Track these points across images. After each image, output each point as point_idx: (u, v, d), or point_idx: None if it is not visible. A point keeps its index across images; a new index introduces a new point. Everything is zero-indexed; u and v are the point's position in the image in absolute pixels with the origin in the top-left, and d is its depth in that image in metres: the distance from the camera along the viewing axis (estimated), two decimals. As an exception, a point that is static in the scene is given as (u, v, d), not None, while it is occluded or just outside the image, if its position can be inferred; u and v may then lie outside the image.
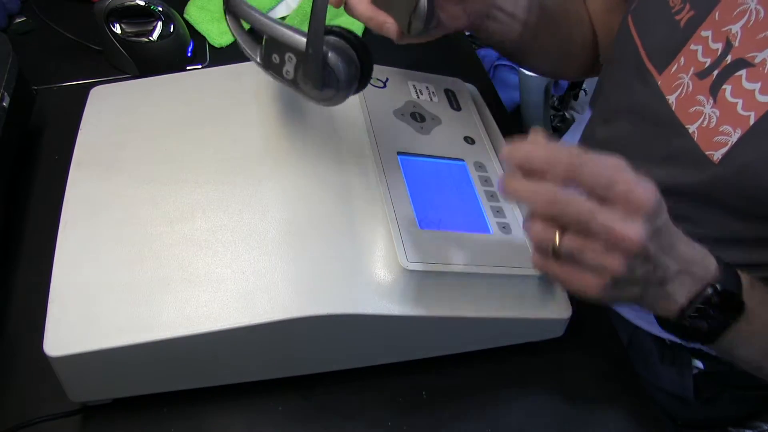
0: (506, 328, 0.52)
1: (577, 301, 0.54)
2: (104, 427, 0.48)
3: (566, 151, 0.38)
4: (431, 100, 0.63)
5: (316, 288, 0.46)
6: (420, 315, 0.47)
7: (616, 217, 0.37)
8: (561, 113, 1.57)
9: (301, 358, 0.49)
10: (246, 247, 0.47)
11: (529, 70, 1.17)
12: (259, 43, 0.48)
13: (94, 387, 0.46)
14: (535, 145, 0.39)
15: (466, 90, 0.66)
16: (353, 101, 0.59)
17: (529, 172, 0.39)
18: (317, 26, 0.42)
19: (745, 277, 0.45)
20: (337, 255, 0.48)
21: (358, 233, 0.49)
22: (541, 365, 0.56)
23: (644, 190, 0.37)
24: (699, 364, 0.70)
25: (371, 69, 0.47)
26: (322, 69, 0.44)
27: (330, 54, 0.45)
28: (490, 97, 0.77)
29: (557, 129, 1.52)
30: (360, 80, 0.47)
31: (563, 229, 0.39)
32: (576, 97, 1.53)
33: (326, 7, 0.42)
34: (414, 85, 0.64)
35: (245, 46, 0.48)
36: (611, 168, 0.38)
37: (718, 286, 0.43)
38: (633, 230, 0.37)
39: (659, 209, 0.38)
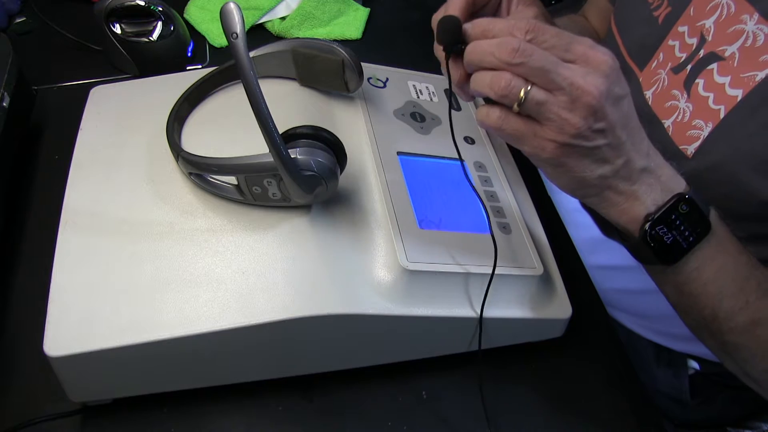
0: (506, 328, 0.52)
1: (577, 301, 0.54)
2: (104, 427, 0.48)
3: (531, 21, 0.40)
4: (431, 100, 0.63)
5: (316, 288, 0.46)
6: (420, 315, 0.47)
7: (576, 71, 0.39)
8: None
9: (301, 358, 0.49)
10: (246, 247, 0.47)
11: None
12: (233, 185, 0.48)
13: (94, 387, 0.46)
14: (496, 20, 0.41)
15: (466, 90, 0.66)
16: (353, 101, 0.59)
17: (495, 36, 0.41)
18: (274, 143, 0.42)
19: (713, 210, 0.45)
20: (337, 255, 0.48)
21: (358, 233, 0.49)
22: (541, 365, 0.56)
23: (602, 52, 0.39)
24: (695, 365, 0.70)
25: (343, 148, 0.48)
26: (301, 176, 0.45)
27: (301, 158, 0.45)
28: (490, 97, 0.77)
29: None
30: (339, 163, 0.48)
31: (531, 84, 0.40)
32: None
33: (271, 120, 0.41)
34: (414, 85, 0.64)
35: (227, 194, 0.49)
36: (569, 34, 0.40)
37: (687, 195, 0.43)
38: (592, 83, 0.38)
39: (618, 76, 0.40)
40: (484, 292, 0.49)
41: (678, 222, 0.43)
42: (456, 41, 0.43)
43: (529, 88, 0.39)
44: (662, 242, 0.43)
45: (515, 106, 0.40)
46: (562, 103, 0.39)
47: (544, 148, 0.41)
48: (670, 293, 0.48)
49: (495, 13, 0.51)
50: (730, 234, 0.45)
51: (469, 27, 0.42)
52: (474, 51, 0.41)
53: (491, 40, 0.40)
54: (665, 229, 0.43)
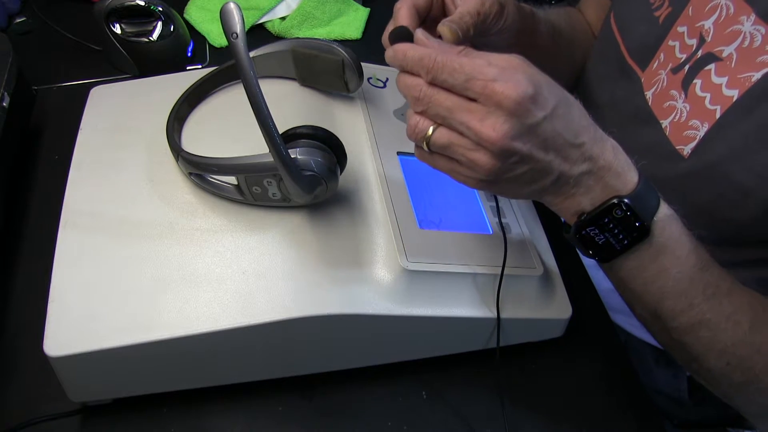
0: (506, 328, 0.52)
1: (577, 301, 0.54)
2: (104, 427, 0.48)
3: (438, 51, 0.39)
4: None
5: (316, 288, 0.46)
6: (420, 315, 0.47)
7: (475, 114, 0.38)
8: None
9: (301, 358, 0.49)
10: (246, 247, 0.47)
11: None
12: (233, 185, 0.48)
13: (94, 387, 0.46)
14: (413, 47, 0.41)
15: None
16: (353, 101, 0.59)
17: (409, 70, 0.41)
18: (274, 143, 0.42)
19: (666, 210, 0.43)
20: (337, 255, 0.48)
21: (358, 233, 0.49)
22: (541, 365, 0.56)
23: (504, 86, 0.37)
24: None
25: (343, 148, 0.48)
26: (301, 176, 0.44)
27: (301, 158, 0.45)
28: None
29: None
30: (339, 163, 0.48)
31: (438, 125, 0.40)
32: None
33: (271, 120, 0.41)
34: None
35: (227, 194, 0.49)
36: (473, 65, 0.38)
37: (625, 200, 0.41)
38: (491, 126, 0.37)
39: (531, 103, 0.37)
40: (497, 291, 0.49)
41: (611, 225, 0.42)
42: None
43: (431, 131, 0.40)
44: (594, 242, 0.43)
45: (425, 146, 0.41)
46: (467, 145, 0.39)
47: (466, 182, 0.41)
48: (616, 286, 0.48)
49: (443, 11, 0.51)
50: (680, 235, 0.44)
51: (390, 54, 0.42)
52: (398, 84, 0.42)
53: (404, 79, 0.41)
54: (596, 230, 0.42)
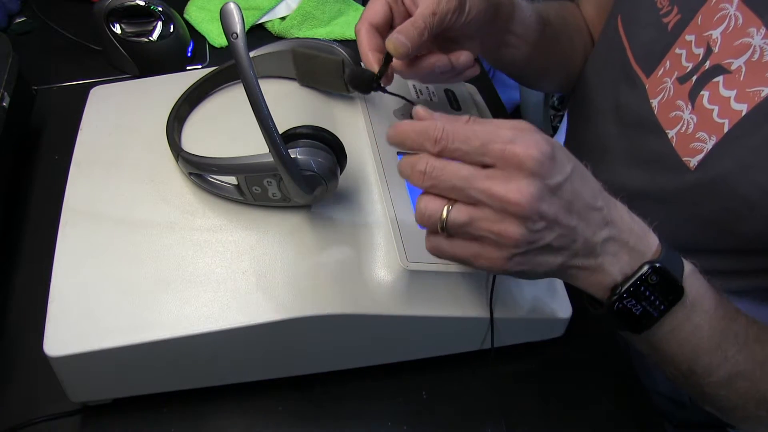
0: (506, 327, 0.52)
1: (577, 301, 0.54)
2: (104, 427, 0.48)
3: (439, 123, 0.37)
4: (431, 100, 0.63)
5: (316, 288, 0.46)
6: (420, 315, 0.47)
7: (495, 180, 0.35)
8: (561, 113, 1.57)
9: (301, 358, 0.49)
10: (246, 247, 0.47)
11: (539, 90, 1.15)
12: (233, 185, 0.48)
13: (94, 387, 0.46)
14: (409, 124, 0.38)
15: (466, 90, 0.66)
16: (353, 101, 0.59)
17: (409, 150, 0.38)
18: (274, 143, 0.41)
19: (689, 266, 0.42)
20: (337, 255, 0.48)
21: (358, 233, 0.49)
22: (541, 365, 0.56)
23: (524, 145, 0.35)
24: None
25: (343, 148, 0.48)
26: (301, 176, 0.44)
27: (301, 158, 0.44)
28: (490, 97, 0.77)
29: (557, 129, 1.52)
30: (339, 163, 0.48)
31: (452, 203, 0.37)
32: (576, 97, 1.53)
33: (271, 120, 0.40)
34: (414, 85, 0.64)
35: (227, 194, 0.49)
36: (486, 131, 0.36)
37: (657, 264, 0.39)
38: (516, 190, 0.35)
39: (552, 163, 0.35)
40: (489, 291, 0.49)
41: (648, 293, 0.40)
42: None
43: (447, 211, 0.37)
44: (631, 314, 0.41)
45: (439, 230, 0.38)
46: (489, 216, 0.36)
47: (492, 266, 0.38)
48: (645, 350, 0.46)
49: (408, 17, 0.48)
50: (705, 288, 0.42)
51: (391, 133, 0.39)
52: (400, 167, 0.39)
53: (405, 160, 0.38)
54: (634, 302, 0.40)
